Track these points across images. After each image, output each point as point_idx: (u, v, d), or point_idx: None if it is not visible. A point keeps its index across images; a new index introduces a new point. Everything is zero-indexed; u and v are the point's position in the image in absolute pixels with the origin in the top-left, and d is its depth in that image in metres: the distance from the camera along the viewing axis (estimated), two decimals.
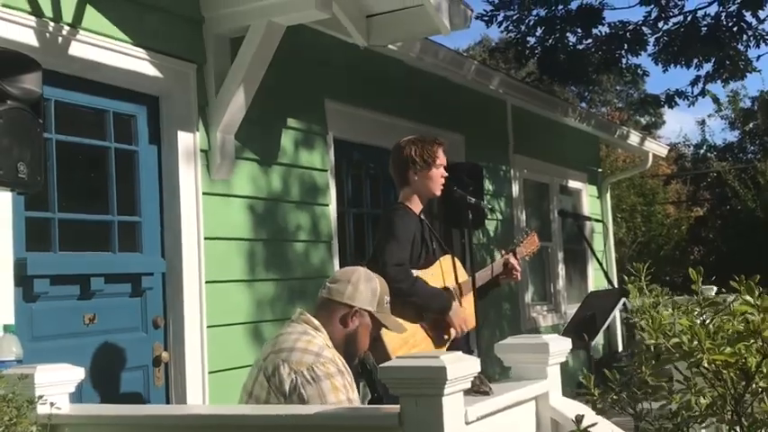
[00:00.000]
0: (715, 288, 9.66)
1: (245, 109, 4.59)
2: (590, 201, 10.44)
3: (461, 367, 1.77)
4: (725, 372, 1.60)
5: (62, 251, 3.86)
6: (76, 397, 3.80)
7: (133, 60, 4.17)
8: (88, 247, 4.08)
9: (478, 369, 1.92)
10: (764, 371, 1.58)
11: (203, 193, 4.49)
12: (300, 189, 5.26)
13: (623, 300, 4.25)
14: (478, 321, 3.81)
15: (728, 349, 1.58)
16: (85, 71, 4.00)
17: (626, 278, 2.08)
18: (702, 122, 23.65)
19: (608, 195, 10.99)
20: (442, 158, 3.93)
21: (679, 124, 61.93)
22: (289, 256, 5.12)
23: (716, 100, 9.01)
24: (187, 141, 4.43)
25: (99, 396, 3.94)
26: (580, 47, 8.88)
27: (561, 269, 9.43)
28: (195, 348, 4.35)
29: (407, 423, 1.80)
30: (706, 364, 1.61)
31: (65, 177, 3.94)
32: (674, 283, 17.41)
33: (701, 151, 23.15)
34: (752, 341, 1.58)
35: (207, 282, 4.43)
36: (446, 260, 3.89)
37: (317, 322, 2.95)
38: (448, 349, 3.72)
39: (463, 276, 3.89)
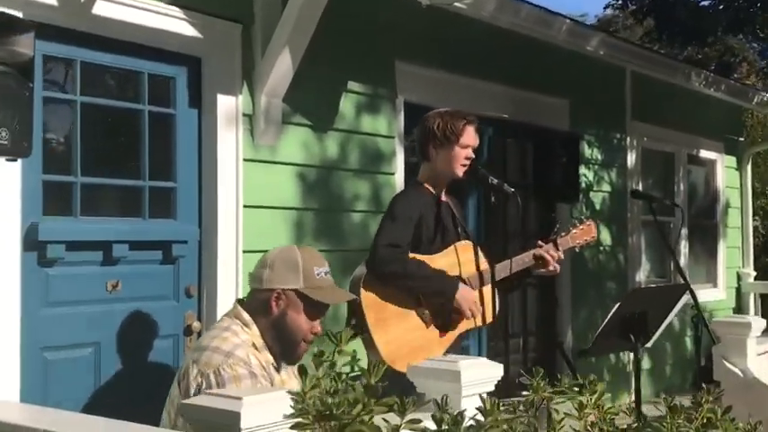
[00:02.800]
0: None
1: (293, 71, 4.37)
2: (726, 172, 9.58)
3: (272, 410, 1.46)
4: None
5: (83, 216, 3.80)
6: (95, 363, 3.82)
7: (172, 21, 4.03)
8: (116, 213, 4.00)
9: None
10: None
11: (245, 160, 4.32)
12: (361, 156, 5.00)
13: (687, 296, 3.75)
14: (496, 316, 3.43)
15: None
16: (119, 32, 3.89)
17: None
18: None
19: (749, 167, 10.04)
20: (468, 138, 3.51)
21: None
22: (344, 226, 4.89)
23: None
24: (228, 105, 4.27)
25: (120, 364, 3.89)
26: (705, 3, 8.02)
27: (685, 246, 8.70)
28: None
29: None
30: None
31: (91, 141, 3.86)
32: None
33: None
34: None
35: (245, 251, 4.28)
36: (465, 246, 3.51)
37: (247, 317, 2.70)
38: (451, 346, 3.37)
39: (484, 265, 3.48)
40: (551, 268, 3.58)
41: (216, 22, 4.23)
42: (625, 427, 1.45)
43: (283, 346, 2.71)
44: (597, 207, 7.29)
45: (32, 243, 3.56)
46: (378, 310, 3.25)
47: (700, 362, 5.01)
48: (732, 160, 9.74)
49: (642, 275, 7.97)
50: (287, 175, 4.57)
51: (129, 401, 3.53)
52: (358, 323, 3.19)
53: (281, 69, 4.34)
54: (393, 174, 5.19)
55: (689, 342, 8.25)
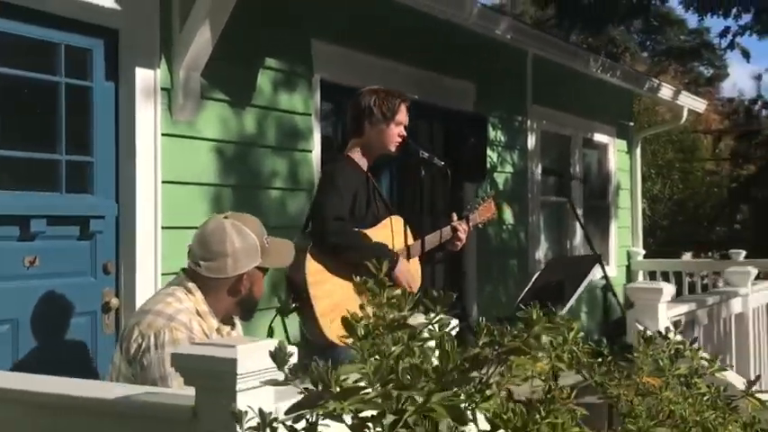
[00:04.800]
0: (744, 252, 9.24)
1: (212, 45, 4.33)
2: (618, 156, 10.01)
3: (260, 357, 1.52)
4: None
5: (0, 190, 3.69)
6: (12, 341, 3.73)
7: None
8: (32, 187, 3.90)
9: (294, 359, 1.66)
10: None
11: (163, 134, 4.27)
12: (278, 133, 5.01)
13: (597, 266, 3.95)
14: (423, 286, 3.54)
15: None
16: (36, 2, 3.78)
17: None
18: (759, 77, 22.61)
19: (638, 150, 10.52)
20: (402, 116, 3.62)
21: (743, 77, 59.90)
22: (262, 202, 4.89)
23: (746, 54, 8.42)
24: (147, 78, 4.20)
25: (38, 342, 3.80)
26: None
27: (578, 226, 9.05)
28: (147, 296, 4.14)
29: (201, 418, 1.57)
30: None
31: (6, 114, 3.75)
32: (712, 242, 16.85)
33: (756, 107, 22.22)
34: None
35: (163, 227, 4.24)
36: (397, 221, 3.60)
37: (191, 285, 2.72)
38: None
39: (411, 240, 3.60)
40: (458, 243, 3.71)
41: None
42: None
43: (245, 312, 2.84)
44: (500, 187, 7.51)
45: None
46: (320, 282, 3.30)
47: (608, 326, 5.26)
48: (623, 144, 10.18)
49: (541, 253, 8.26)
50: (205, 151, 4.54)
51: None
52: (297, 295, 3.24)
53: (200, 43, 4.30)
54: (310, 151, 5.22)
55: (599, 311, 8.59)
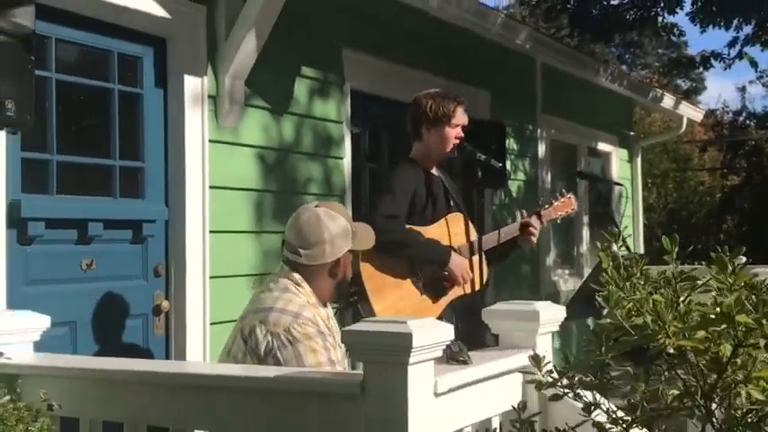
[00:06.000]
0: (744, 259, 9.49)
1: (257, 54, 4.44)
2: (620, 164, 10.17)
3: (431, 334, 1.62)
4: (694, 360, 1.42)
5: (59, 194, 3.76)
6: (71, 343, 3.79)
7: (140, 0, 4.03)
8: (88, 192, 3.97)
9: (452, 336, 1.78)
10: (738, 362, 1.38)
11: (210, 141, 4.36)
12: (313, 140, 5.11)
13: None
14: (484, 285, 3.65)
15: (701, 333, 1.39)
16: (90, 9, 3.86)
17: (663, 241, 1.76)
18: (743, 89, 22.91)
19: (639, 159, 10.70)
20: (459, 118, 3.74)
21: (719, 91, 60.59)
22: (298, 208, 4.97)
23: (754, 63, 8.63)
24: (194, 86, 4.30)
25: (95, 343, 3.87)
26: (614, 2, 8.53)
27: (586, 232, 9.22)
28: (197, 298, 4.25)
29: (370, 391, 1.67)
30: (671, 350, 1.43)
31: (65, 119, 3.83)
32: (705, 252, 17.04)
33: (740, 118, 22.54)
34: (723, 326, 1.38)
35: (211, 231, 4.33)
36: (456, 218, 3.71)
37: (298, 277, 2.83)
38: (443, 312, 3.56)
39: (475, 237, 3.71)
40: (533, 239, 3.83)
41: (181, 2, 4.25)
42: None
43: (339, 295, 2.98)
44: (514, 195, 7.64)
45: (14, 221, 3.51)
46: (375, 279, 3.40)
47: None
48: (624, 153, 10.35)
49: (551, 260, 8.39)
50: (247, 157, 4.63)
51: None
52: (357, 291, 3.34)
53: (245, 51, 4.40)
54: (342, 158, 5.32)
55: None
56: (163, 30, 4.23)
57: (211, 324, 4.27)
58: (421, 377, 1.63)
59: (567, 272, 8.86)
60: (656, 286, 1.53)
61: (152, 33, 4.21)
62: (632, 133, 10.72)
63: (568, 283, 8.70)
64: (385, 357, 1.64)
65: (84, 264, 3.86)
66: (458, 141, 3.70)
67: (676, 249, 1.52)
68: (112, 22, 4.01)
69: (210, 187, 4.34)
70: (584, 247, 9.18)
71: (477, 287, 3.61)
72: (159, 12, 4.12)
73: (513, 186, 7.71)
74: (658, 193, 14.11)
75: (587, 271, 9.13)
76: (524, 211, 3.93)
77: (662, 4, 8.25)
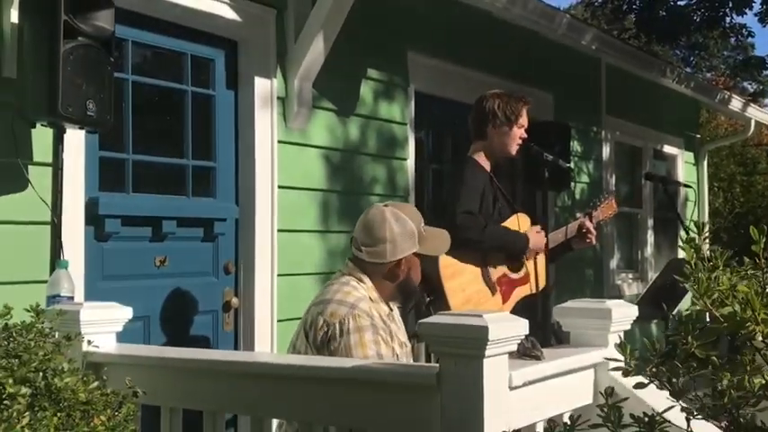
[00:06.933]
0: None
1: (324, 56, 4.51)
2: (686, 167, 10.02)
3: (507, 328, 1.65)
4: None
5: (135, 193, 3.88)
6: (145, 337, 3.90)
7: (212, 2, 4.12)
8: (162, 191, 4.08)
9: (526, 331, 1.80)
10: None
11: (279, 141, 4.45)
12: (378, 141, 5.17)
13: None
14: (549, 285, 3.66)
15: None
16: (164, 12, 3.98)
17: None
18: None
19: (705, 163, 10.53)
20: (524, 118, 3.76)
21: None
22: (363, 208, 4.99)
23: None
24: (264, 88, 4.38)
25: (166, 338, 3.97)
26: (681, 3, 8.42)
27: (650, 236, 9.11)
28: (265, 296, 4.34)
29: (445, 384, 1.70)
30: (761, 338, 1.43)
31: (140, 119, 3.94)
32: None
33: None
34: None
35: (279, 230, 4.41)
36: (524, 218, 3.74)
37: (360, 273, 2.87)
38: (512, 311, 3.58)
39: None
40: (589, 239, 3.83)
41: (251, 5, 4.34)
42: None
43: (405, 299, 2.97)
44: (578, 198, 7.59)
45: (92, 217, 3.63)
46: (452, 275, 3.43)
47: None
48: (690, 156, 10.19)
49: (614, 263, 8.31)
50: (315, 158, 4.71)
51: None
52: (430, 289, 3.37)
53: (313, 54, 4.47)
54: (406, 159, 5.37)
55: None
56: (234, 32, 4.33)
57: (279, 321, 4.35)
58: (496, 370, 1.65)
59: (630, 276, 8.76)
60: (742, 276, 1.53)
61: (224, 36, 4.32)
62: (698, 136, 10.56)
63: (632, 287, 8.61)
64: (461, 349, 1.67)
65: (157, 260, 3.97)
66: (521, 142, 3.72)
67: (764, 240, 1.53)
68: (186, 24, 4.11)
69: (279, 187, 4.42)
70: (649, 251, 9.07)
71: (543, 285, 3.62)
72: (230, 14, 4.22)
73: (577, 189, 7.66)
74: (725, 198, 13.84)
75: (651, 275, 9.03)
76: (579, 214, 3.92)
77: (730, 5, 8.12)
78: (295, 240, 4.52)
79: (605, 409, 1.41)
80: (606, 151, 8.11)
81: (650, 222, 9.11)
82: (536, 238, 3.62)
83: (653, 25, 8.74)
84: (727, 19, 8.54)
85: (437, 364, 1.74)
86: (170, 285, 4.03)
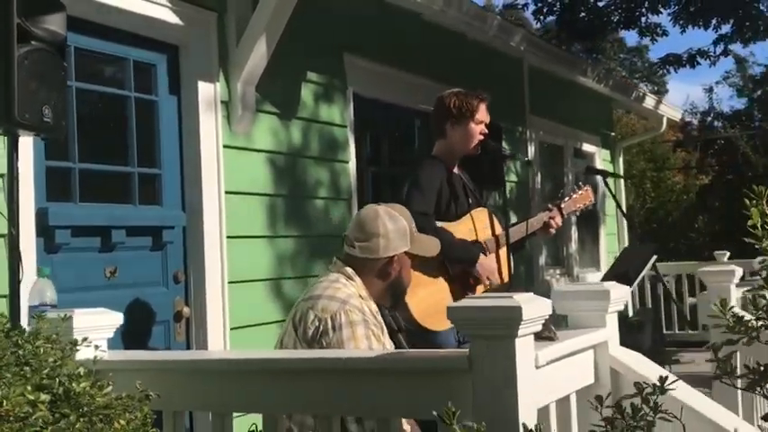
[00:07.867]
0: (728, 253, 9.46)
1: (267, 59, 4.47)
2: (603, 165, 10.30)
3: (535, 308, 1.68)
4: None
5: (82, 202, 3.76)
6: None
7: (153, 6, 4.04)
8: (109, 199, 3.98)
9: (550, 311, 1.83)
10: None
11: (224, 146, 4.38)
12: (320, 144, 5.15)
13: (654, 257, 4.17)
14: (511, 277, 3.71)
15: None
16: (105, 17, 3.87)
17: None
18: (710, 90, 23.30)
19: (621, 159, 10.86)
20: (482, 114, 3.81)
21: (682, 94, 61.50)
22: (309, 212, 5.02)
23: (739, 60, 8.83)
24: (207, 92, 4.32)
25: (120, 350, 3.85)
26: (600, 3, 8.69)
27: (574, 232, 9.34)
28: (216, 304, 4.26)
29: (477, 366, 1.71)
30: None
31: (85, 127, 3.83)
32: (679, 251, 17.36)
33: (709, 119, 22.91)
34: None
35: (228, 237, 4.34)
36: (480, 213, 3.78)
37: (350, 271, 2.86)
38: None
39: (499, 230, 3.78)
40: (552, 231, 3.92)
41: (192, 9, 4.27)
42: None
43: (394, 300, 2.95)
44: (507, 197, 7.71)
45: (41, 229, 3.50)
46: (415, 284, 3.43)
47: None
48: (607, 154, 10.50)
49: (542, 260, 8.49)
50: (260, 162, 4.66)
51: None
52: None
53: (255, 58, 4.43)
54: (348, 162, 5.36)
55: None
56: (175, 37, 4.25)
57: (231, 329, 4.29)
58: (525, 350, 1.68)
59: (558, 271, 8.96)
60: None
61: (165, 41, 4.23)
62: (613, 134, 10.88)
63: (560, 283, 8.80)
64: (494, 331, 1.69)
65: (107, 271, 3.86)
66: (481, 138, 3.77)
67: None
68: (127, 29, 4.02)
69: (226, 192, 4.36)
70: (573, 247, 9.29)
71: (506, 279, 3.67)
72: (171, 18, 4.14)
73: (506, 189, 7.78)
74: (637, 193, 14.31)
75: (577, 270, 9.27)
76: (550, 205, 4.01)
77: (646, 5, 8.42)
78: (244, 246, 4.46)
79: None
80: (532, 150, 8.27)
81: (573, 218, 9.33)
82: (485, 262, 3.64)
83: (574, 25, 8.99)
84: (643, 19, 8.87)
85: (466, 350, 1.75)
86: (121, 297, 3.90)
